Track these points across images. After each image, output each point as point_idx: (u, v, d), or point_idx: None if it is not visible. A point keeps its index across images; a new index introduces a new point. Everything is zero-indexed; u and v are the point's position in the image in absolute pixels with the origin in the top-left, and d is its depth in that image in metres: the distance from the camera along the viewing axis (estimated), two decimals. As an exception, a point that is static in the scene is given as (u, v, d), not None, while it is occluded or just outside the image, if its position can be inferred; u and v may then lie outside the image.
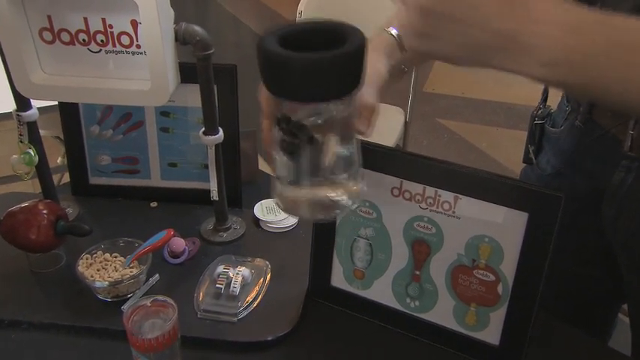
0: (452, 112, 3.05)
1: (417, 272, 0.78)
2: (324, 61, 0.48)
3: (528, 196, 0.67)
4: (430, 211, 0.74)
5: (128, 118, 1.03)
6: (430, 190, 0.73)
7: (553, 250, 0.66)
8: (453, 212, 0.73)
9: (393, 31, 0.67)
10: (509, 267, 0.71)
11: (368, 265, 0.81)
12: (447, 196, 0.72)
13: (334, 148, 0.54)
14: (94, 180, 1.07)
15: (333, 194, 0.56)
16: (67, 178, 1.57)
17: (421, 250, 0.77)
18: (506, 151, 2.69)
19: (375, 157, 0.75)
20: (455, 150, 2.74)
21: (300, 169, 0.55)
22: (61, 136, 2.07)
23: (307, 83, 0.49)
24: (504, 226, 0.69)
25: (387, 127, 1.96)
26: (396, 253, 0.79)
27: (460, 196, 0.71)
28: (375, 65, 0.62)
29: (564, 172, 0.84)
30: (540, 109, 0.87)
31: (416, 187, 0.74)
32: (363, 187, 0.58)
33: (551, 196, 0.65)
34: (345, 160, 0.55)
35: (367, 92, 0.58)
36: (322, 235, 0.83)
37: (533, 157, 0.88)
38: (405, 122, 2.01)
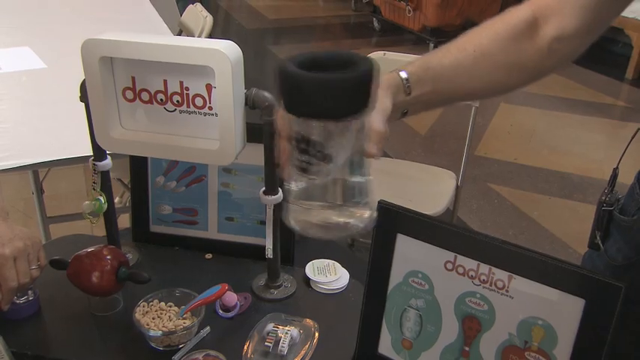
0: (503, 178, 3.03)
1: (467, 348, 0.77)
2: (340, 80, 0.54)
3: (586, 282, 0.66)
4: (483, 287, 0.74)
5: (192, 171, 1.08)
6: (484, 267, 0.74)
7: (611, 339, 0.65)
8: (507, 291, 0.72)
9: (403, 75, 0.71)
10: (563, 353, 0.69)
11: (417, 336, 0.81)
12: (501, 274, 0.72)
13: (347, 172, 0.59)
14: (155, 228, 1.12)
15: (345, 219, 0.60)
16: (122, 218, 1.64)
17: (472, 326, 0.76)
18: (559, 221, 2.63)
19: (431, 230, 0.77)
20: (505, 216, 2.70)
21: (314, 190, 0.59)
22: (123, 179, 2.17)
23: (323, 100, 0.54)
24: (559, 311, 0.69)
25: (439, 191, 1.96)
26: (446, 327, 0.78)
27: (515, 275, 0.71)
28: (382, 99, 0.67)
29: (638, 264, 0.82)
30: (608, 194, 0.86)
31: (470, 263, 0.75)
32: (373, 214, 0.62)
33: (610, 285, 0.64)
34: (358, 186, 0.59)
35: (376, 119, 0.63)
36: (372, 302, 0.84)
37: (600, 244, 0.87)
38: (457, 186, 2.01)
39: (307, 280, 1.02)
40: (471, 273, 0.75)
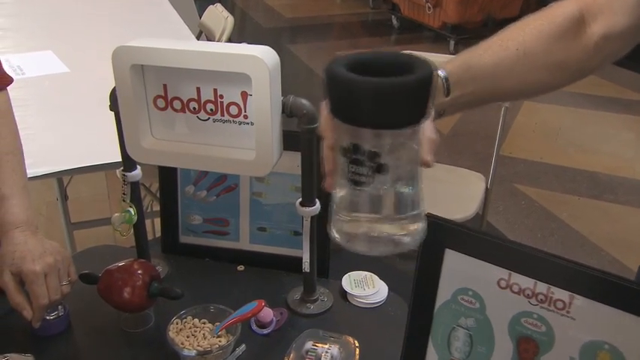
0: (530, 178, 2.96)
1: (522, 371, 0.73)
2: (402, 86, 0.48)
3: (659, 305, 0.61)
4: (541, 307, 0.69)
5: (223, 180, 1.05)
6: (542, 286, 0.69)
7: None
8: (568, 312, 0.68)
9: (442, 74, 0.67)
10: (631, 379, 0.65)
11: (466, 356, 0.77)
12: (560, 294, 0.68)
13: (400, 183, 0.54)
14: (184, 239, 1.09)
15: (393, 232, 0.55)
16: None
17: (528, 348, 0.71)
18: (589, 223, 2.56)
19: (482, 245, 0.72)
20: (534, 218, 2.64)
21: (363, 201, 0.54)
22: (145, 182, 2.14)
23: (383, 108, 0.49)
24: (628, 335, 0.64)
25: (468, 194, 1.91)
26: (499, 348, 0.74)
27: (576, 296, 0.67)
28: None
29: None
30: None
31: (526, 281, 0.70)
32: (423, 227, 0.57)
33: (688, 309, 0.59)
34: (409, 199, 0.55)
35: (428, 126, 0.58)
36: (418, 320, 0.79)
37: None
38: (486, 189, 1.95)
39: (344, 294, 0.98)
40: (528, 292, 0.70)
